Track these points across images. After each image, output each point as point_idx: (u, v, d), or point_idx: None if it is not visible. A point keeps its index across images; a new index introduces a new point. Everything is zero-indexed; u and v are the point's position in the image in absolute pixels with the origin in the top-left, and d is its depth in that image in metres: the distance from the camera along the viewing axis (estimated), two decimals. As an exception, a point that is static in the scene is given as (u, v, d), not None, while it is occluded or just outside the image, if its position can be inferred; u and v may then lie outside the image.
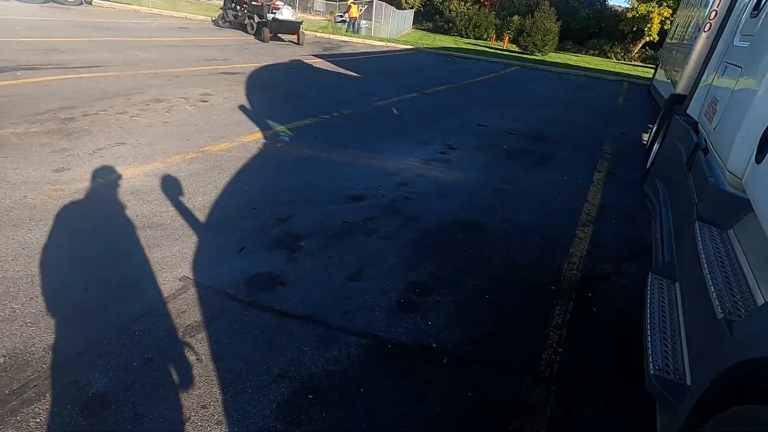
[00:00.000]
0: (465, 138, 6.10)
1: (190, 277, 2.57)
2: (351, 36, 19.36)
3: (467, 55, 17.01)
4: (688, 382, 1.70)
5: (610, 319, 2.65)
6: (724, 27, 3.32)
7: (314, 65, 11.06)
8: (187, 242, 2.90)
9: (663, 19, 22.72)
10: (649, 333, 1.93)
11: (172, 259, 2.71)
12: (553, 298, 2.79)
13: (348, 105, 7.15)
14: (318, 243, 3.07)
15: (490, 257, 3.15)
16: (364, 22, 20.50)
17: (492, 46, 23.05)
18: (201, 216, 3.25)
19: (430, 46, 18.59)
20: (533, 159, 5.56)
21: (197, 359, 2.01)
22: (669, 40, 10.10)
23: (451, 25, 26.89)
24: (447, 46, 19.74)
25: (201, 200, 3.48)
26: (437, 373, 2.12)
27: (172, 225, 3.08)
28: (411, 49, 17.62)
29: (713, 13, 3.94)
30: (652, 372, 1.75)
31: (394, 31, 22.45)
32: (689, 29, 5.82)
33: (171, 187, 3.64)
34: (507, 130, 6.81)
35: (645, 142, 6.82)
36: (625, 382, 2.18)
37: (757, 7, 2.67)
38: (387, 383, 2.01)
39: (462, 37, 26.19)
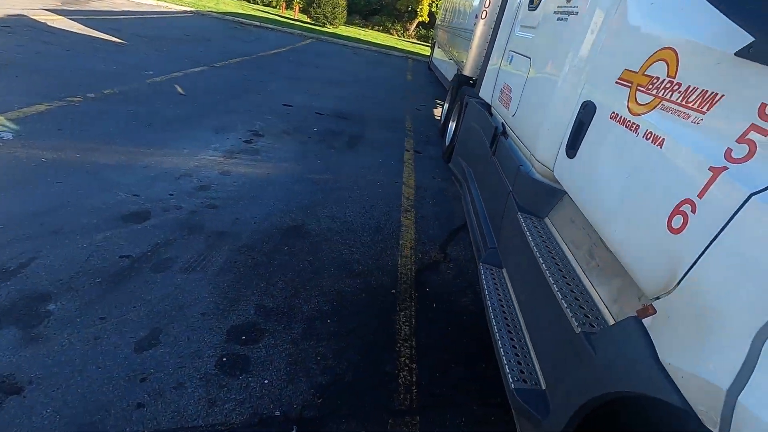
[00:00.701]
0: (271, 121, 5.44)
1: None
2: (105, -12, 15.40)
3: (258, 23, 15.69)
4: (543, 387, 1.70)
5: (450, 315, 2.63)
6: (502, 16, 3.60)
7: (50, 24, 8.25)
8: None
9: (431, 1, 25.66)
10: (499, 342, 1.87)
11: None
12: (396, 303, 2.60)
13: (110, 82, 5.49)
14: (80, 300, 2.10)
15: (323, 268, 2.76)
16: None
17: (283, 14, 22.02)
18: None
19: (215, 10, 16.42)
20: (346, 141, 5.35)
21: None
22: (440, 22, 11.29)
23: (235, -13, 24.44)
24: (234, 11, 17.83)
25: None
26: (287, 451, 1.65)
27: None
28: (191, 12, 15.18)
29: (488, 2, 4.30)
30: (513, 387, 1.68)
31: (165, -13, 18.91)
32: (462, 15, 6.43)
33: None
34: (314, 109, 6.42)
35: (438, 119, 7.46)
36: (483, 391, 2.14)
37: (533, 1, 2.88)
38: (220, 504, 1.43)
39: (249, 2, 24.18)
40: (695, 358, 0.94)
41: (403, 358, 2.21)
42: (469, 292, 2.88)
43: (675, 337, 1.03)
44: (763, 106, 0.98)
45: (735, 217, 0.95)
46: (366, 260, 2.96)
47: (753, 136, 0.99)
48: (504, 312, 2.10)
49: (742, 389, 0.81)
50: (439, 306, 2.68)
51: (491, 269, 2.46)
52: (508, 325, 2.03)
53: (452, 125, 5.41)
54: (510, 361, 1.80)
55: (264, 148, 4.50)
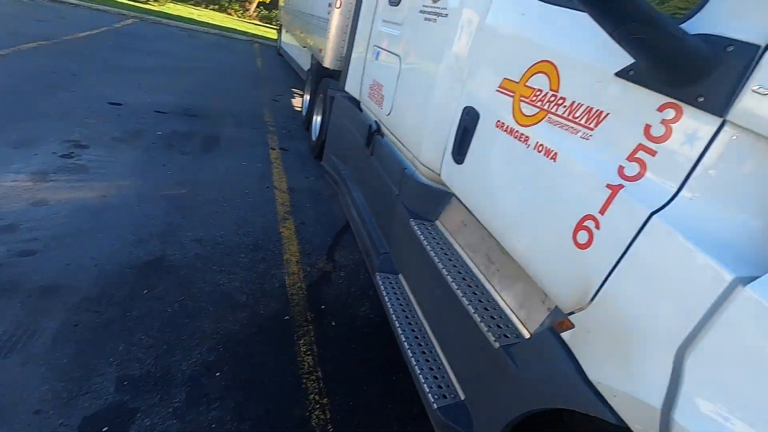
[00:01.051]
0: (96, 126, 4.42)
1: None
2: None
3: (55, -4, 12.68)
4: (462, 397, 1.70)
5: (351, 330, 2.50)
6: (360, 7, 3.48)
7: None
8: None
9: (271, -20, 24.28)
10: (413, 359, 1.81)
11: None
12: (292, 331, 2.36)
13: None
14: None
15: (200, 308, 2.34)
16: None
17: (89, -13, 18.26)
18: None
19: (-16, -23, 12.68)
20: (199, 144, 4.69)
21: None
22: (285, 4, 10.67)
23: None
24: (15, -21, 14.04)
25: None
26: None
27: None
28: (-55, -23, 11.43)
29: (341, -10, 4.13)
30: (435, 407, 1.64)
31: None
32: (313, 0, 6.12)
33: None
34: (152, 107, 5.46)
35: (300, 109, 7.11)
36: (399, 405, 2.08)
37: (393, -5, 2.81)
38: None
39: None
40: (623, 376, 0.98)
41: (313, 395, 2.01)
42: (366, 300, 2.79)
43: (599, 353, 1.07)
44: (647, 126, 1.04)
45: (640, 236, 0.99)
46: (249, 287, 2.61)
47: (642, 155, 1.05)
48: (411, 324, 2.05)
49: (675, 407, 0.86)
50: (339, 322, 2.53)
51: (388, 278, 2.39)
52: (417, 337, 1.99)
53: (317, 119, 5.18)
54: (427, 379, 1.76)
55: (93, 163, 3.62)
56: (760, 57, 0.84)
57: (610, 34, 1.02)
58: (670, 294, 0.92)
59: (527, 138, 1.41)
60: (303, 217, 3.64)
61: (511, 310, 1.59)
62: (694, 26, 0.98)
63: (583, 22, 1.25)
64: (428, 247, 1.92)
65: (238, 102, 6.81)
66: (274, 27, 18.84)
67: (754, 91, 0.83)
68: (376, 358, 2.33)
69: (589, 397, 1.06)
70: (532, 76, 1.45)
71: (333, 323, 2.51)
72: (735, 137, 0.89)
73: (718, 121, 0.91)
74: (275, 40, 14.91)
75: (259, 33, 18.25)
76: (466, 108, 1.81)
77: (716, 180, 0.92)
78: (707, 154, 0.93)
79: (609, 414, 1.00)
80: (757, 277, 0.79)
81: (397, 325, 2.02)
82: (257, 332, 2.28)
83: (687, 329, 0.87)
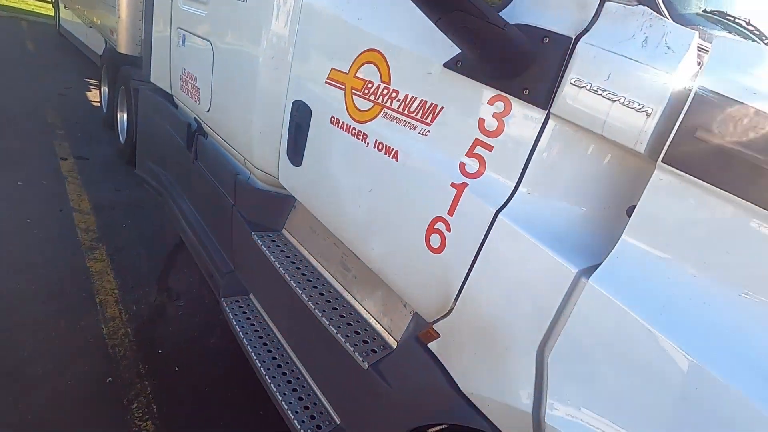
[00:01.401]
0: None
1: None
2: None
3: None
4: (338, 421, 1.56)
5: (201, 372, 2.11)
6: (152, -19, 2.88)
7: None
8: None
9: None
10: (278, 395, 1.59)
11: None
12: (122, 396, 1.87)
13: None
14: None
15: (-37, 402, 1.66)
16: None
17: None
18: None
19: None
20: (-60, 162, 3.39)
21: None
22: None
23: None
24: None
25: None
26: None
27: None
28: None
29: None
30: (310, 444, 1.47)
31: None
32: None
33: None
34: None
35: (99, 104, 5.79)
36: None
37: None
38: None
39: None
40: (493, 384, 0.95)
41: (159, 470, 1.62)
42: (215, 329, 2.40)
43: (467, 362, 1.02)
44: (481, 120, 1.00)
45: (489, 235, 0.96)
46: (46, 353, 1.97)
47: (480, 150, 1.01)
48: (270, 351, 1.81)
49: (543, 408, 0.85)
50: (184, 365, 2.12)
51: (237, 300, 2.07)
52: (280, 365, 1.76)
53: (123, 117, 4.29)
54: (297, 412, 1.56)
55: None
56: (573, 49, 0.85)
57: (435, 23, 0.93)
58: (524, 293, 0.90)
59: (365, 135, 1.29)
60: (118, 243, 2.95)
61: (375, 318, 1.48)
62: (510, 15, 0.96)
63: (408, 7, 1.15)
64: (276, 262, 1.69)
65: (6, 99, 5.18)
66: (48, 0, 15.06)
67: (572, 83, 0.83)
68: (235, 397, 2.02)
69: (464, 409, 1.01)
70: (361, 66, 1.31)
71: (176, 368, 2.08)
72: (559, 129, 0.90)
73: (543, 113, 0.90)
74: (53, 17, 11.92)
75: (27, 8, 14.39)
76: (295, 102, 1.61)
77: (547, 173, 0.92)
78: (537, 148, 0.92)
79: (485, 424, 0.97)
80: (598, 265, 0.81)
81: (254, 356, 1.75)
82: (65, 414, 1.72)
83: (543, 327, 0.86)
